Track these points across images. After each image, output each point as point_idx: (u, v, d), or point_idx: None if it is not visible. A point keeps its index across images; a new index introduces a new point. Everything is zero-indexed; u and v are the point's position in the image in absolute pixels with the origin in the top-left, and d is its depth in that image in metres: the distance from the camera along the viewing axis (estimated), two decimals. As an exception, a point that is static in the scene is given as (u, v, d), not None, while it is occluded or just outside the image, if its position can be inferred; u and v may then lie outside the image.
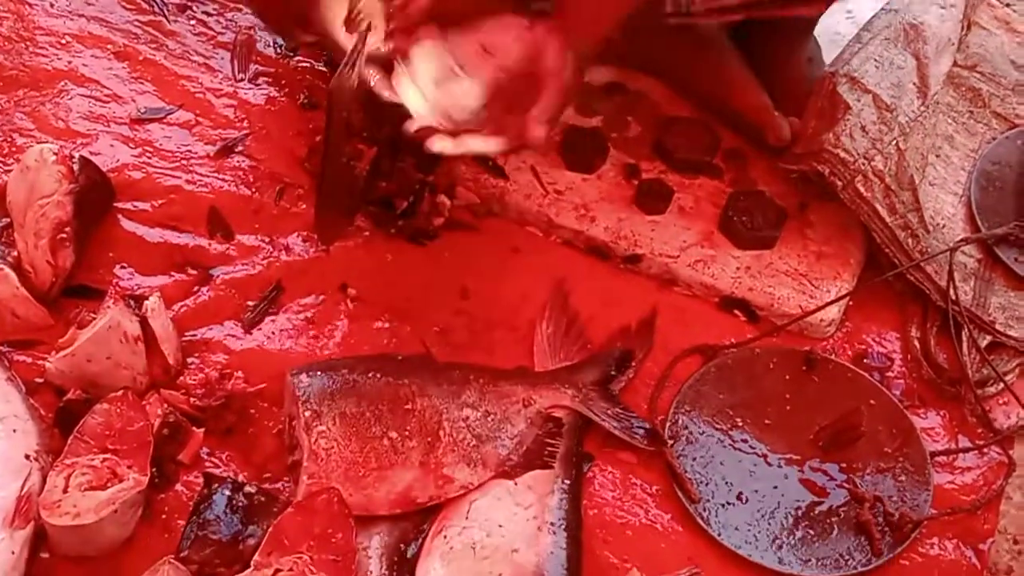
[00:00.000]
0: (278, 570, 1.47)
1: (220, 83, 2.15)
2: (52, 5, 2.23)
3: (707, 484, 1.70)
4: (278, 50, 2.23)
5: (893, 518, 1.66)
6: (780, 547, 1.64)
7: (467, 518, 1.58)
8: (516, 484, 1.63)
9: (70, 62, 2.14)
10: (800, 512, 1.68)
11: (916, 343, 1.91)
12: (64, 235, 1.78)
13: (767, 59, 2.12)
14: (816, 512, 1.69)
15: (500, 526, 1.57)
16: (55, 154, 1.82)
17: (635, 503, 1.69)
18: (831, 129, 1.93)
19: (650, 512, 1.68)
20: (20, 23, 2.19)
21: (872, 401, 1.80)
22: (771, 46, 2.14)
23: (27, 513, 1.50)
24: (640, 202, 2.00)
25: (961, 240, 1.96)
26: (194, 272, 1.87)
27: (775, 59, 2.13)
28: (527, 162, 2.03)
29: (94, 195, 1.86)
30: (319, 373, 1.66)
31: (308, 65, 2.20)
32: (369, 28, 1.74)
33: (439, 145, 1.64)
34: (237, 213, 1.95)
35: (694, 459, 1.73)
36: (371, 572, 1.53)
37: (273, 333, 1.81)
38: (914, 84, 2.06)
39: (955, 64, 2.19)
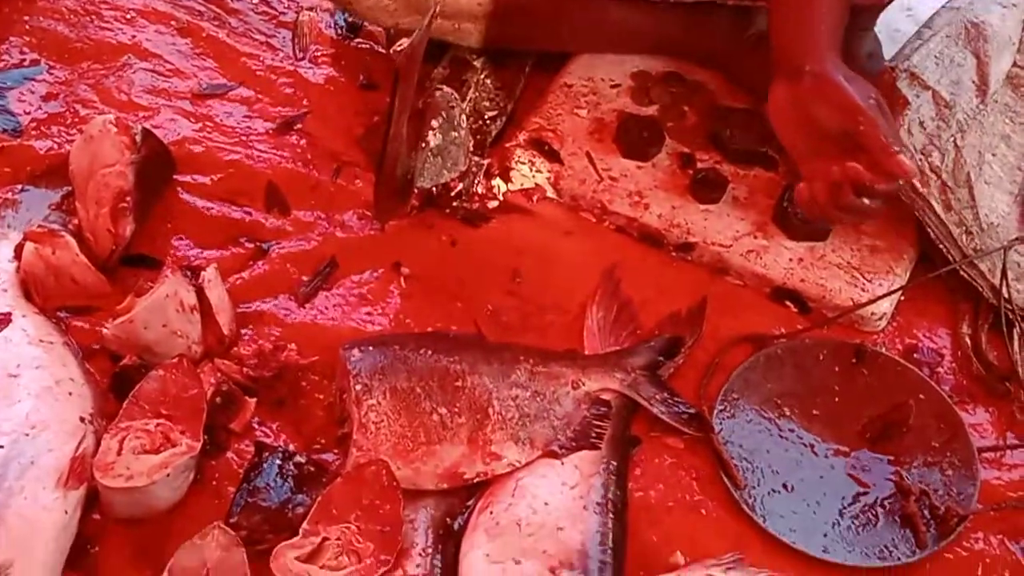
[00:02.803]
0: (326, 539, 1.49)
1: (281, 61, 2.18)
2: (118, -20, 2.27)
3: (753, 471, 1.70)
4: (339, 31, 2.25)
5: (939, 511, 1.66)
6: (825, 536, 1.64)
7: (513, 495, 1.59)
8: (563, 464, 1.64)
9: (134, 36, 2.18)
10: (846, 502, 1.68)
11: (967, 340, 1.90)
12: (125, 204, 1.80)
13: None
14: (862, 503, 1.68)
15: (546, 504, 1.58)
16: (118, 125, 1.85)
17: (680, 487, 1.69)
18: (889, 124, 1.93)
19: (695, 497, 1.69)
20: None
21: (921, 396, 1.80)
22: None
23: (81, 474, 1.52)
24: (694, 191, 2.01)
25: (1016, 239, 1.94)
26: (251, 245, 1.89)
27: (835, 54, 2.13)
28: (583, 148, 2.04)
29: (155, 166, 1.89)
30: (371, 348, 1.68)
31: (368, 46, 2.23)
32: (438, 5, 1.76)
33: None
34: (294, 189, 1.97)
35: (740, 446, 1.73)
36: (416, 544, 1.54)
37: (326, 308, 1.83)
38: (973, 82, 2.06)
39: (1015, 64, 2.18)
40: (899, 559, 1.63)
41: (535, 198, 2.01)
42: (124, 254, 1.82)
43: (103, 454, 1.53)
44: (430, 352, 1.69)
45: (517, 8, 2.06)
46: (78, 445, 1.54)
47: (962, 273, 1.91)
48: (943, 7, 2.14)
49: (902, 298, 1.94)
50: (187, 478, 1.57)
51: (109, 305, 1.74)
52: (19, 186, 1.91)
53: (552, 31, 2.15)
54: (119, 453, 1.53)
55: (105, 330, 1.69)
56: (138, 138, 1.86)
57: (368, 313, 1.83)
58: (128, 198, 1.81)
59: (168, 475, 1.52)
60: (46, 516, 1.48)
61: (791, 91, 1.78)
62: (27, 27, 2.17)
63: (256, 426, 1.68)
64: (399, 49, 1.77)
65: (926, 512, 1.66)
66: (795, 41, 1.80)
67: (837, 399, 1.80)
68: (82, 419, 1.58)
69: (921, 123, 1.95)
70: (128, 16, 2.21)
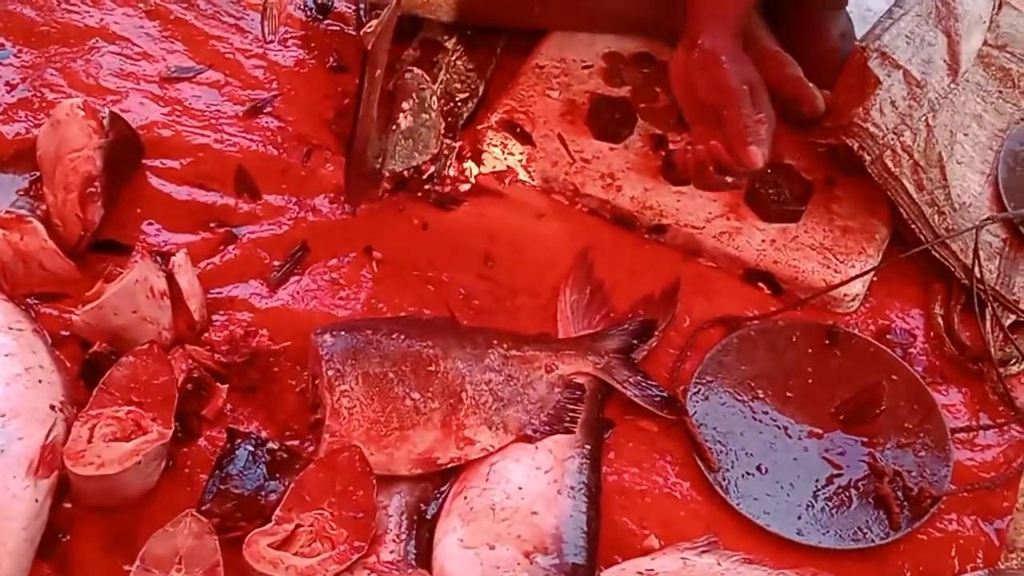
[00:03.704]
0: (299, 525, 1.49)
1: (250, 44, 2.16)
2: (84, -38, 2.24)
3: (727, 454, 1.71)
4: (308, 12, 2.24)
5: (912, 493, 1.67)
6: (799, 518, 1.65)
7: (487, 480, 1.59)
8: (537, 448, 1.64)
9: (101, 19, 2.16)
10: (819, 484, 1.69)
11: (939, 320, 1.91)
12: (93, 189, 1.78)
13: (798, 33, 2.12)
14: (835, 485, 1.69)
15: (520, 488, 1.58)
16: (85, 109, 1.83)
17: (654, 471, 1.69)
18: (861, 103, 1.93)
19: (669, 480, 1.69)
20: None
21: (894, 376, 1.80)
22: (802, 20, 2.14)
23: (51, 462, 1.51)
24: (667, 173, 2.00)
25: (987, 218, 1.95)
26: (221, 230, 1.88)
27: (806, 33, 2.13)
28: (554, 130, 2.03)
29: (123, 151, 1.87)
30: (343, 333, 1.67)
31: (338, 28, 2.21)
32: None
33: None
34: (265, 173, 1.96)
35: (714, 429, 1.73)
36: (391, 530, 1.54)
37: (298, 293, 1.82)
38: (944, 61, 2.06)
39: (986, 43, 2.18)
40: (873, 540, 1.64)
41: (507, 180, 2.00)
42: (93, 240, 1.80)
43: (74, 442, 1.52)
44: (403, 337, 1.68)
45: None
46: (48, 433, 1.53)
47: (934, 253, 1.91)
48: (914, -14, 2.14)
49: (874, 279, 1.94)
50: (159, 466, 1.57)
51: (78, 291, 1.73)
52: (-14, 172, 1.89)
53: (524, 6, 2.13)
54: (90, 441, 1.52)
55: (75, 317, 1.68)
56: (106, 122, 1.85)
57: (340, 298, 1.82)
58: (96, 183, 1.79)
59: (139, 463, 1.51)
60: (17, 505, 1.47)
61: (684, 59, 1.82)
62: (-7, 11, 2.15)
63: (228, 413, 1.67)
64: (368, 31, 1.75)
65: (900, 493, 1.67)
66: (699, 13, 1.82)
67: (810, 381, 1.80)
68: (52, 407, 1.57)
69: (892, 102, 1.95)
70: (96, -1, 2.19)
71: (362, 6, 2.14)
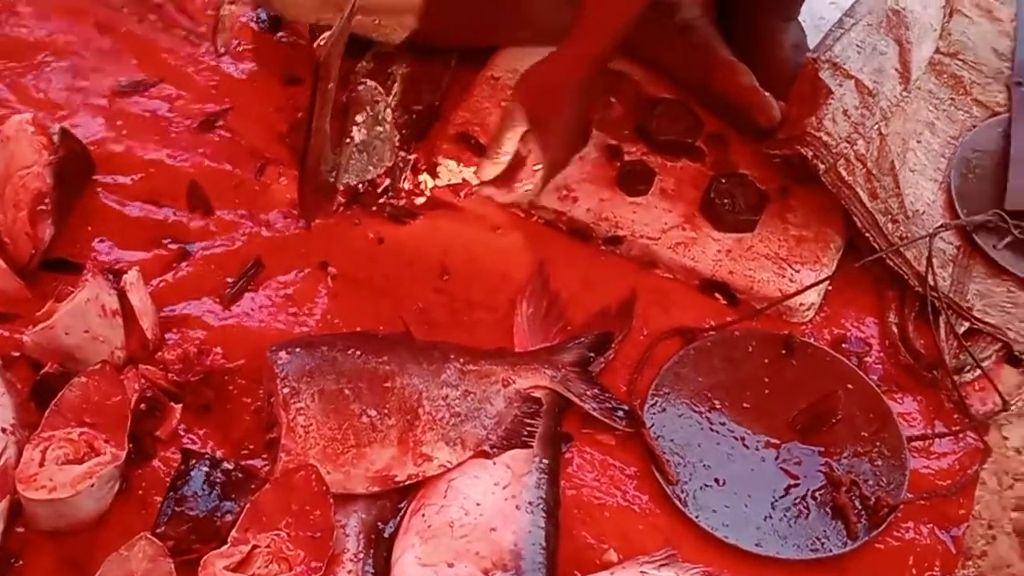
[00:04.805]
0: (255, 546, 1.48)
1: (202, 57, 2.15)
2: (33, -25, 2.22)
3: (685, 466, 1.71)
4: (261, 25, 2.22)
5: (869, 502, 1.67)
6: (757, 529, 1.65)
7: (445, 496, 1.59)
8: (494, 463, 1.63)
9: (51, 33, 2.13)
10: (777, 495, 1.69)
11: (894, 328, 1.91)
12: (44, 207, 1.77)
13: (751, 44, 2.13)
14: (793, 495, 1.69)
15: (478, 504, 1.57)
16: (35, 125, 1.81)
17: (613, 484, 1.69)
18: (813, 113, 1.94)
19: (628, 493, 1.69)
20: (-1, -8, 2.18)
21: (850, 385, 1.81)
22: (755, 32, 2.14)
23: (3, 487, 1.49)
24: (622, 183, 2.00)
25: (940, 226, 1.96)
26: (174, 247, 1.86)
27: (759, 44, 2.14)
28: (510, 142, 2.03)
29: (74, 167, 1.86)
30: (298, 350, 1.66)
31: (291, 41, 2.20)
32: (355, 2, 1.74)
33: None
34: (217, 188, 1.95)
35: (672, 441, 1.73)
36: (348, 549, 1.53)
37: (252, 309, 1.81)
38: (896, 70, 2.07)
39: (937, 51, 2.20)
40: (831, 550, 1.64)
41: (463, 193, 2.00)
42: (44, 258, 1.78)
43: (25, 465, 1.51)
44: (358, 353, 1.67)
45: (445, 3, 2.04)
46: (-1, 456, 1.51)
47: (888, 261, 1.92)
48: (865, -6, 2.15)
49: (829, 288, 1.94)
50: (112, 488, 1.55)
51: (29, 311, 1.71)
52: (-68, 189, 1.86)
53: (478, 26, 2.13)
54: (42, 464, 1.51)
55: (25, 337, 1.67)
56: (56, 138, 1.83)
57: (295, 314, 1.81)
58: (47, 200, 1.78)
59: (93, 485, 1.49)
60: (-33, 530, 1.45)
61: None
62: (-60, 24, 2.13)
63: (182, 433, 1.66)
64: (320, 43, 1.74)
65: (857, 503, 1.68)
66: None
67: (767, 391, 1.80)
68: (3, 429, 1.55)
69: (845, 112, 1.96)
70: (44, 12, 2.16)
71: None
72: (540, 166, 1.81)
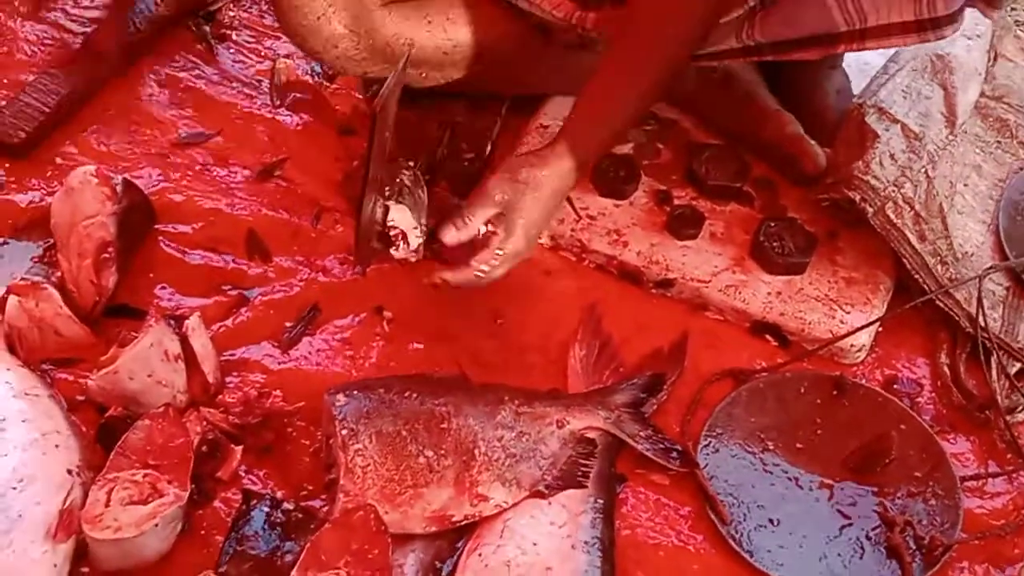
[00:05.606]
0: (316, 586, 1.50)
1: (259, 109, 2.20)
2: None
3: (739, 506, 1.71)
4: (315, 77, 2.27)
5: (924, 542, 1.67)
6: (812, 569, 1.65)
7: (502, 536, 1.60)
8: (550, 503, 1.65)
9: (113, 88, 2.18)
10: (831, 535, 1.69)
11: (946, 369, 1.92)
12: (107, 255, 1.81)
13: (795, 92, 2.15)
14: (847, 535, 1.70)
15: (534, 544, 1.59)
16: (98, 176, 1.86)
17: (667, 524, 1.70)
18: (861, 158, 1.96)
19: (682, 533, 1.70)
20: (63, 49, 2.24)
21: (902, 426, 1.81)
22: (799, 79, 2.16)
23: (69, 527, 1.52)
24: (672, 228, 2.02)
25: (990, 267, 1.97)
26: (233, 293, 1.90)
27: (803, 91, 2.16)
28: (561, 188, 2.06)
29: (136, 216, 1.90)
30: (356, 392, 1.69)
31: (345, 92, 2.24)
32: (410, 52, 1.77)
33: None
34: (275, 236, 1.99)
35: (726, 481, 1.74)
36: (407, 588, 1.55)
37: (310, 353, 1.84)
38: (942, 113, 2.08)
39: (983, 94, 2.21)
40: (886, 590, 1.65)
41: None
42: (107, 305, 1.82)
43: (91, 506, 1.53)
44: (415, 395, 1.70)
45: (493, 57, 2.07)
46: (66, 497, 1.54)
47: (938, 303, 1.93)
48: (909, 41, 2.16)
49: (880, 329, 1.95)
50: (175, 528, 1.58)
51: (93, 356, 1.74)
52: (1, 239, 1.92)
53: (525, 78, 2.17)
54: (107, 505, 1.53)
55: (90, 381, 1.70)
56: (119, 189, 1.88)
57: (352, 357, 1.84)
58: (110, 249, 1.82)
59: (156, 525, 1.52)
60: (35, 570, 1.48)
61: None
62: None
63: (243, 474, 1.68)
64: (375, 94, 1.78)
65: (911, 543, 1.67)
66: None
67: (819, 432, 1.81)
68: (69, 471, 1.58)
69: (892, 155, 1.98)
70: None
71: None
72: (502, 252, 1.73)
